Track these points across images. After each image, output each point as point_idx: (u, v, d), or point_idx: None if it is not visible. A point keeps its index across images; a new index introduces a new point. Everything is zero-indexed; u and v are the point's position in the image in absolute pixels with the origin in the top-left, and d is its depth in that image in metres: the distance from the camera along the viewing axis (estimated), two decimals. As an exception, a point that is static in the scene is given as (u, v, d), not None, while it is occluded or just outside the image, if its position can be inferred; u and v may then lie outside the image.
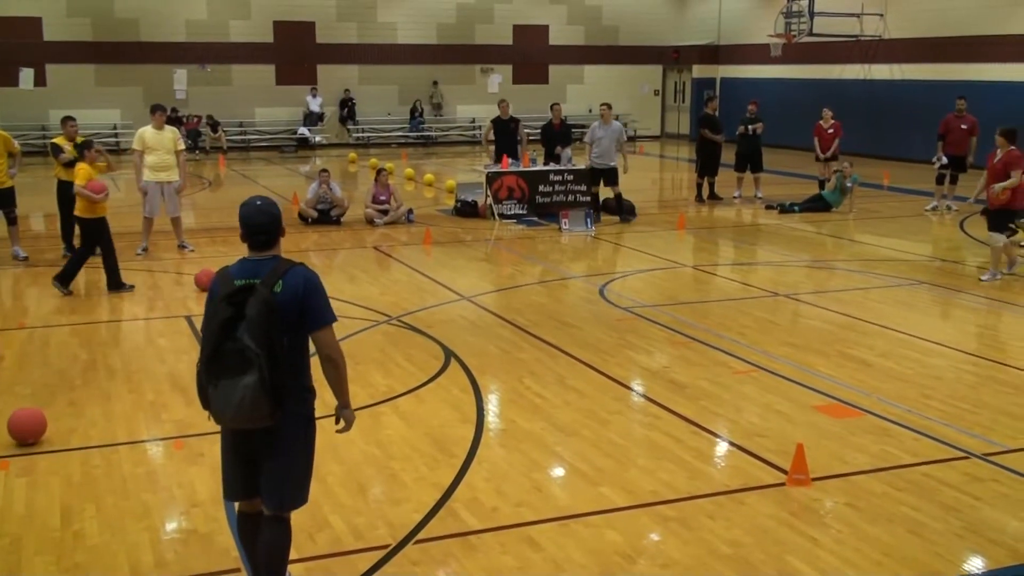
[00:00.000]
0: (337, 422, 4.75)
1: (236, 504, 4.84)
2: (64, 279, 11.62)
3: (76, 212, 11.90)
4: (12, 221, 13.50)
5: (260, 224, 4.55)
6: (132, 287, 11.85)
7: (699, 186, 19.84)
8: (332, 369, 4.56)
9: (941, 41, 26.06)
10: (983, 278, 12.20)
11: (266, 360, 4.26)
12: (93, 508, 5.97)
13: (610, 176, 16.94)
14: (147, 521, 5.81)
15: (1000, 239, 12.17)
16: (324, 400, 8.02)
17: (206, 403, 4.45)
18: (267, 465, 4.55)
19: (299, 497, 4.67)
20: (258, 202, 4.61)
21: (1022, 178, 11.82)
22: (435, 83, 33.48)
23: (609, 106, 17.22)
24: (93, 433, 7.24)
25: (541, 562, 5.27)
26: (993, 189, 11.95)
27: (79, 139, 13.10)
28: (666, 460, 6.70)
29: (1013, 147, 12.04)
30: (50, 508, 5.98)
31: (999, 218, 12.14)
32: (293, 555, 5.35)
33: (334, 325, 4.58)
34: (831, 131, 19.41)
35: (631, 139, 35.49)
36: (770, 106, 24.26)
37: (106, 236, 11.80)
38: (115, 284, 11.80)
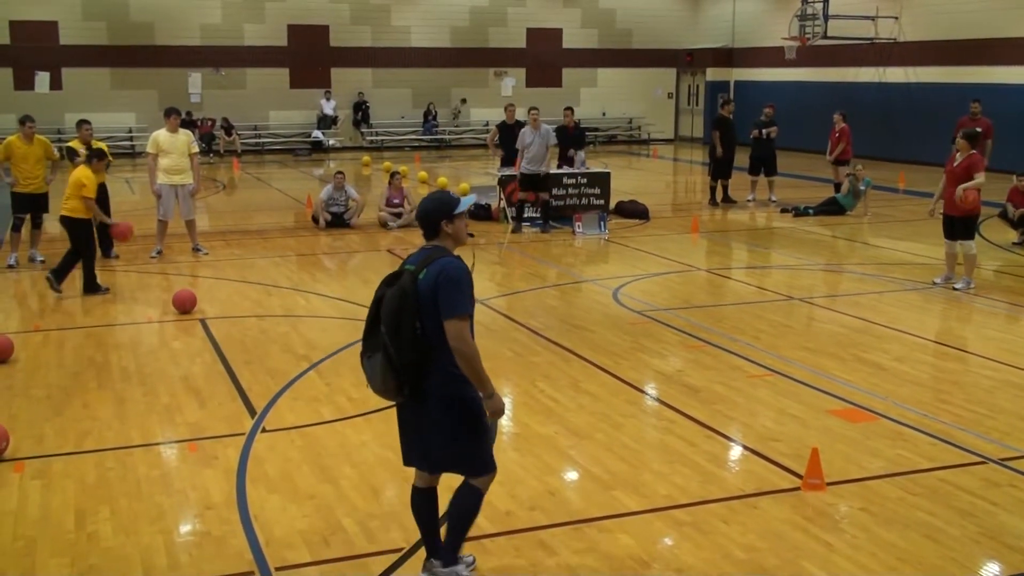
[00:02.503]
0: (486, 412, 4.85)
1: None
2: (59, 275, 11.66)
3: (65, 212, 11.67)
4: (37, 225, 13.59)
5: (418, 216, 4.91)
6: (107, 289, 11.85)
7: (713, 189, 19.80)
8: (460, 360, 4.67)
9: (956, 44, 25.96)
10: (956, 286, 11.93)
11: (391, 341, 4.60)
12: (107, 510, 5.99)
13: (541, 182, 16.30)
14: (161, 523, 5.82)
15: (973, 246, 11.95)
16: (337, 404, 8.03)
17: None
18: (423, 436, 4.86)
19: (467, 467, 4.92)
20: (427, 196, 4.96)
21: (981, 183, 11.60)
22: (463, 100, 33.52)
23: (537, 110, 16.39)
24: (107, 435, 7.27)
25: (554, 566, 5.26)
26: (956, 193, 11.61)
27: (96, 144, 13.16)
28: (680, 464, 6.68)
29: (974, 151, 11.83)
30: (64, 510, 5.99)
31: (967, 225, 11.89)
32: (307, 558, 5.37)
33: (466, 319, 4.66)
34: (837, 135, 19.37)
35: (645, 142, 35.55)
36: (784, 109, 24.16)
37: (93, 239, 11.89)
38: (91, 287, 11.77)
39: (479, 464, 4.93)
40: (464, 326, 4.63)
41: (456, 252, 4.85)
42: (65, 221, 11.77)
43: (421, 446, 4.89)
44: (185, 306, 10.89)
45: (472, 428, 4.86)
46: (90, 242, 11.87)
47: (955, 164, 11.82)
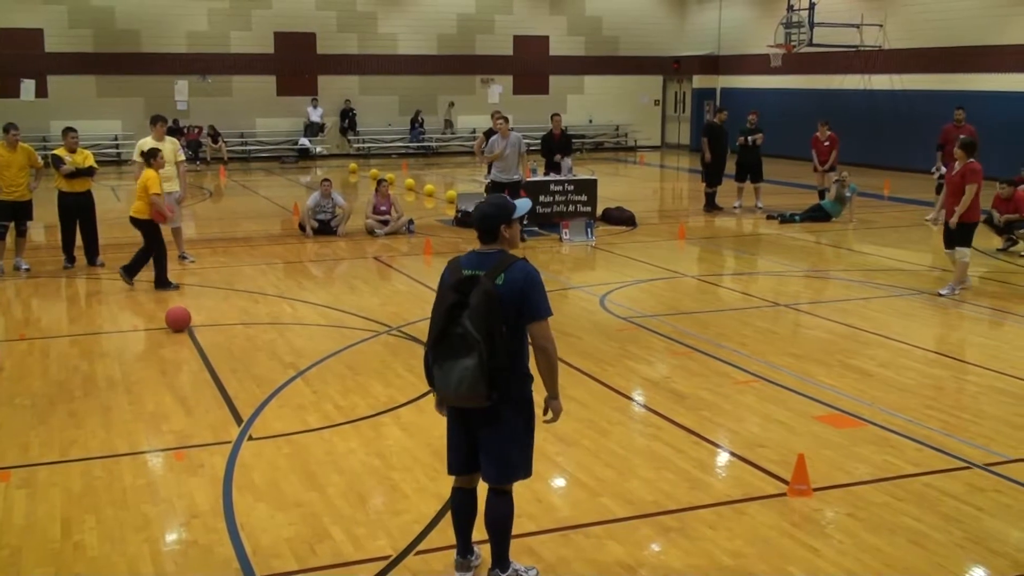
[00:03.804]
0: (545, 412, 5.04)
1: (454, 479, 5.15)
2: (131, 270, 12.34)
3: (131, 213, 12.38)
4: (22, 233, 13.54)
5: (476, 220, 4.99)
6: (178, 286, 12.49)
7: (707, 195, 19.81)
8: (544, 359, 4.88)
9: (940, 51, 26.12)
10: (941, 292, 12.03)
11: (485, 346, 4.63)
12: (93, 519, 5.96)
13: (514, 189, 15.86)
14: (147, 532, 5.80)
15: (967, 253, 12.05)
16: (324, 412, 8.01)
17: (431, 382, 4.87)
18: (486, 443, 4.92)
19: (517, 472, 5.02)
20: (483, 200, 5.11)
21: (976, 191, 11.72)
22: (451, 104, 33.56)
23: (506, 119, 16.21)
24: (93, 444, 7.24)
25: (542, 573, 5.26)
26: (951, 221, 11.81)
27: (79, 154, 13.52)
28: (667, 470, 6.69)
29: (971, 160, 11.93)
30: (50, 519, 5.96)
31: (964, 232, 11.98)
32: (294, 566, 5.36)
33: (549, 319, 4.86)
34: (827, 143, 19.44)
35: (631, 149, 35.63)
36: (770, 116, 24.28)
37: (159, 236, 12.43)
38: (163, 283, 12.39)
39: (524, 469, 5.05)
40: (549, 326, 4.85)
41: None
42: (131, 221, 12.43)
43: (490, 452, 4.92)
44: (177, 325, 10.40)
45: (532, 430, 5.05)
46: (158, 239, 12.36)
47: (954, 173, 11.96)
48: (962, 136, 12.79)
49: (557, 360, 4.93)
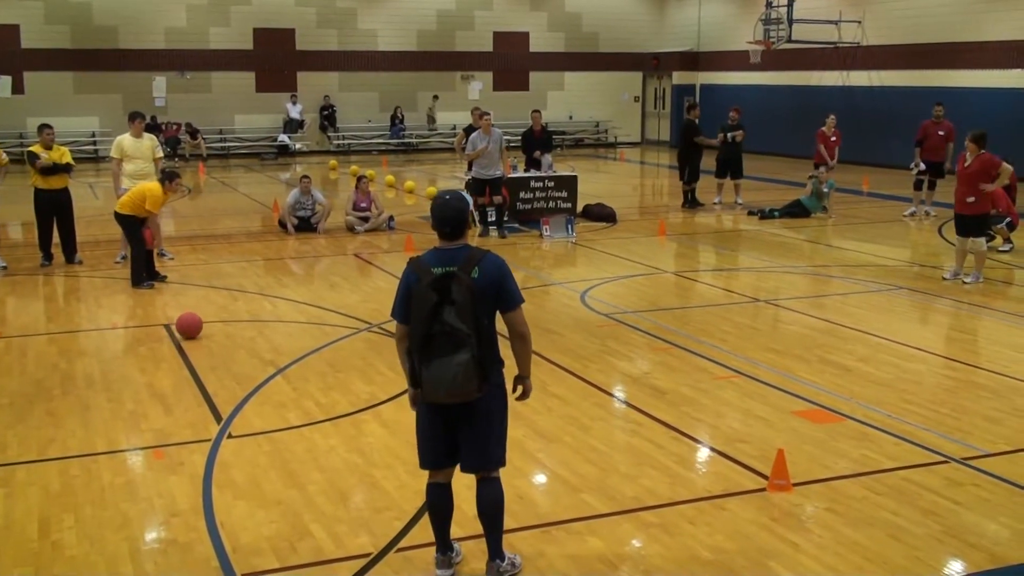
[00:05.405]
0: (514, 390, 5.13)
1: (428, 474, 5.19)
2: (144, 278, 12.26)
3: (116, 208, 12.27)
4: None
5: (445, 217, 4.90)
6: (152, 285, 12.29)
7: (685, 192, 19.88)
8: (522, 344, 5.03)
9: (918, 48, 26.27)
10: (966, 280, 12.33)
11: (475, 339, 4.72)
12: (72, 518, 5.92)
13: (496, 185, 16.10)
14: (126, 531, 5.77)
15: (983, 243, 12.37)
16: (305, 409, 7.99)
17: (415, 382, 4.86)
18: (468, 432, 4.97)
19: (501, 456, 5.11)
20: (446, 196, 4.99)
21: (1010, 173, 12.24)
22: (435, 97, 33.49)
23: (489, 114, 16.26)
24: (72, 443, 7.19)
25: (523, 569, 5.27)
26: (984, 188, 12.10)
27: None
28: (648, 466, 6.71)
29: (983, 151, 12.17)
30: (28, 519, 5.92)
31: (978, 223, 12.30)
32: (275, 564, 5.35)
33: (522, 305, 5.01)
34: (834, 138, 19.42)
35: (612, 145, 35.68)
36: (749, 112, 24.31)
37: (140, 235, 12.26)
38: (138, 280, 12.25)
39: (503, 455, 5.13)
40: (523, 312, 4.99)
41: None
42: (115, 216, 12.33)
43: (472, 441, 4.97)
44: (188, 332, 9.95)
45: (505, 417, 5.12)
46: (139, 237, 12.20)
47: (966, 166, 12.18)
48: (973, 131, 12.91)
49: (531, 343, 5.06)
